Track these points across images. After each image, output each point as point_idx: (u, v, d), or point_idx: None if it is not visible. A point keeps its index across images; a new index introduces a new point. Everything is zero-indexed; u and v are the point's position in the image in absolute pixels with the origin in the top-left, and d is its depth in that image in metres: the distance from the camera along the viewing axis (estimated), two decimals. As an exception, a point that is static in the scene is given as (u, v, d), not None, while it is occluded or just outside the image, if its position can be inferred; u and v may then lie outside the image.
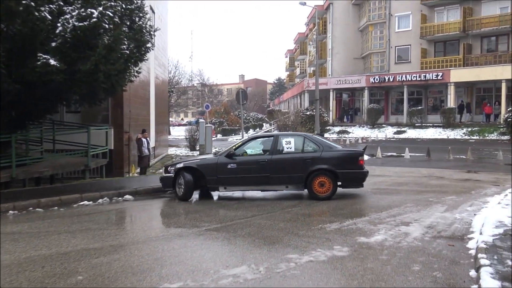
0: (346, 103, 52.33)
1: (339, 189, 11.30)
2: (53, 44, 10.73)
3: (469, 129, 35.93)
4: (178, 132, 59.76)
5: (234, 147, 11.33)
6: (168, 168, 11.43)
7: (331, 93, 47.31)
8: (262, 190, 11.47)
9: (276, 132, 13.12)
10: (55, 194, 11.04)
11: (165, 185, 11.45)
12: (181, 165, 11.19)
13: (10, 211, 9.76)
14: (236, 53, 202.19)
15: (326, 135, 37.90)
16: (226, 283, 5.28)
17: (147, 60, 15.13)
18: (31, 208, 10.09)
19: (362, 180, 11.14)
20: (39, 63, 10.38)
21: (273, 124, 47.89)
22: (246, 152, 11.44)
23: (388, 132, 39.41)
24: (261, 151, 11.46)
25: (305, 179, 10.89)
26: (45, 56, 10.50)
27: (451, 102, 39.60)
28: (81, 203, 10.74)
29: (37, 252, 6.59)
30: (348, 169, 10.93)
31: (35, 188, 12.66)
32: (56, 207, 10.28)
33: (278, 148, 11.18)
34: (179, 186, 11.09)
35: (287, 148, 11.15)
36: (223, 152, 11.41)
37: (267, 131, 49.41)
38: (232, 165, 11.01)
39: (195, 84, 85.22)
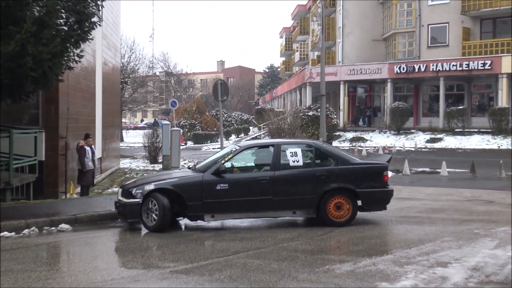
0: (362, 100, 52.64)
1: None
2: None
3: (527, 137, 36.31)
4: (133, 138, 59.58)
5: (223, 161, 11.33)
6: (133, 191, 11.04)
7: (341, 86, 47.60)
8: (249, 217, 11.50)
9: (276, 140, 13.15)
10: (-37, 223, 10.87)
11: (128, 215, 11.06)
12: (151, 186, 11.00)
13: None
14: (214, 31, 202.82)
15: (334, 143, 38.06)
16: None
17: (92, 39, 15.03)
18: None
19: (387, 200, 11.64)
20: None
21: (263, 127, 48.00)
22: (238, 167, 11.51)
23: (418, 140, 39.68)
24: (259, 166, 11.63)
25: (318, 201, 11.13)
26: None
27: (503, 100, 40.02)
28: (0, 234, 10.57)
29: None
30: (370, 187, 11.43)
31: None
32: (-36, 240, 10.15)
33: (281, 161, 11.37)
34: (148, 213, 10.89)
35: (293, 162, 11.35)
36: (208, 167, 11.41)
37: (255, 138, 49.48)
38: (222, 185, 11.03)
39: (158, 73, 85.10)
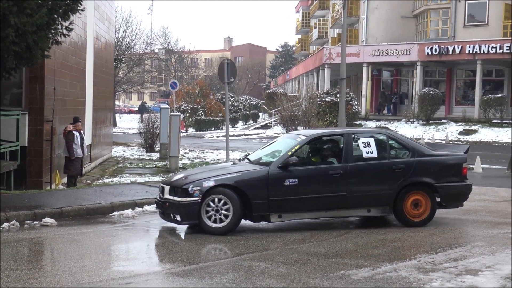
0: (387, 85, 52.42)
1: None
2: None
3: None
4: (128, 123, 59.68)
5: (290, 152, 11.25)
6: (189, 188, 10.64)
7: (364, 69, 47.39)
8: (319, 217, 11.61)
9: (346, 129, 13.29)
10: None
11: (184, 216, 10.65)
12: (210, 182, 10.75)
13: None
14: (221, 3, 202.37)
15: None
16: None
17: (83, 10, 15.06)
18: None
19: (466, 196, 11.98)
20: None
21: (274, 114, 47.96)
22: (305, 160, 11.60)
23: (450, 132, 39.53)
24: (325, 158, 11.73)
25: (395, 198, 11.30)
26: None
27: (548, 88, 39.73)
28: (-24, 228, 10.67)
29: None
30: (450, 182, 11.72)
31: None
32: None
33: (354, 152, 11.49)
34: (212, 213, 10.61)
35: (367, 153, 11.48)
36: (269, 160, 11.48)
37: (265, 125, 49.49)
38: (291, 180, 11.00)
39: (156, 50, 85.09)
